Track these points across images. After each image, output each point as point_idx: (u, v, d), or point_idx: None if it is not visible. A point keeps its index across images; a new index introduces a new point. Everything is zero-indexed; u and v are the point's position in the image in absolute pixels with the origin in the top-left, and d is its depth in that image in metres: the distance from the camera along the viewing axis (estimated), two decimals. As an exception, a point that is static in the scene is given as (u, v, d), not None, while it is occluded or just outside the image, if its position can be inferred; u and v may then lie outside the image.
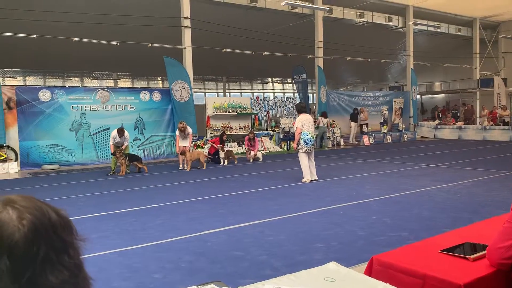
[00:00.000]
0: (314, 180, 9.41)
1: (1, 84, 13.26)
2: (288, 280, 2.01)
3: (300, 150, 9.34)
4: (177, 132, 12.68)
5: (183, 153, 12.22)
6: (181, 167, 12.40)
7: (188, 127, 12.63)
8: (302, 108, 9.65)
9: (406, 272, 2.23)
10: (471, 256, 2.30)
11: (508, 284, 2.20)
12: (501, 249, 2.16)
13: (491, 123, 21.93)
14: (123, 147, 11.69)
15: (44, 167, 13.10)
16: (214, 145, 13.92)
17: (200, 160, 12.49)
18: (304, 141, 9.18)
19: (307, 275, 2.08)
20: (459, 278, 2.06)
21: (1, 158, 12.74)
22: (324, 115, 17.95)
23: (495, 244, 2.20)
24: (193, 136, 15.77)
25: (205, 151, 14.11)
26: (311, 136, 9.29)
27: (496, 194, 7.46)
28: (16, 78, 24.21)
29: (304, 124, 9.21)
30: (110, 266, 4.36)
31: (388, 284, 1.92)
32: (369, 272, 2.39)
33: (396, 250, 2.64)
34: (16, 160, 12.99)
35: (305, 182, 9.28)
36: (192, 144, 15.58)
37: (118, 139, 11.63)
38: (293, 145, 9.57)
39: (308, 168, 9.32)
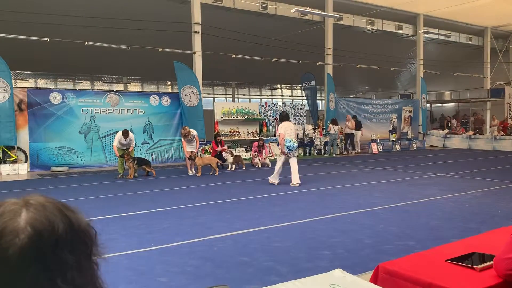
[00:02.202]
0: (296, 184, 9.76)
1: (13, 86, 13.41)
2: (293, 286, 2.02)
3: (280, 155, 10.02)
4: (182, 138, 12.68)
5: (191, 158, 12.16)
6: (190, 173, 12.30)
7: (192, 130, 12.48)
8: (285, 116, 10.22)
9: (412, 280, 2.22)
10: (478, 266, 2.29)
11: (515, 295, 2.18)
12: (508, 259, 2.14)
13: (501, 133, 21.74)
14: (130, 149, 11.74)
15: (53, 169, 13.21)
16: (224, 148, 13.95)
17: (212, 166, 12.38)
18: (287, 147, 9.70)
19: (312, 282, 2.08)
20: (465, 288, 2.05)
21: (11, 159, 12.87)
22: (335, 122, 17.92)
23: (502, 254, 2.19)
24: (200, 141, 15.87)
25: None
26: (294, 142, 9.81)
27: (505, 205, 7.38)
28: (27, 80, 24.50)
29: (286, 131, 9.75)
30: (116, 269, 4.37)
31: (393, 292, 1.92)
32: (374, 280, 2.38)
33: (402, 258, 2.63)
34: (26, 162, 13.12)
35: (273, 183, 9.91)
36: (200, 149, 15.65)
37: (123, 141, 11.68)
38: (279, 150, 10.21)
39: (279, 172, 9.96)
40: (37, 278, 0.57)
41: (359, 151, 18.84)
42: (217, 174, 12.21)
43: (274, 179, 10.05)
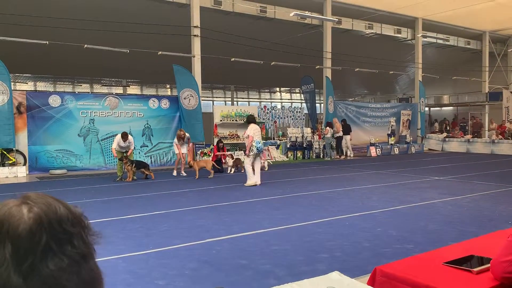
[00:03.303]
0: (257, 183, 10.34)
1: (12, 89, 13.42)
2: (290, 289, 2.02)
3: (250, 156, 10.36)
4: (176, 140, 12.77)
5: (190, 165, 12.49)
6: (174, 173, 12.65)
7: (185, 133, 12.96)
8: (253, 119, 10.79)
9: (409, 283, 2.23)
10: (475, 269, 2.30)
11: (512, 298, 2.19)
12: (505, 263, 2.15)
13: (500, 136, 21.78)
14: (129, 152, 11.75)
15: (52, 172, 13.20)
16: (224, 153, 13.98)
17: (207, 168, 12.51)
18: (257, 148, 10.29)
19: (310, 284, 2.09)
20: (462, 291, 2.06)
21: (10, 162, 12.86)
22: (330, 125, 17.95)
23: (499, 257, 2.20)
24: (200, 144, 15.91)
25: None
26: (261, 144, 10.54)
27: (504, 208, 7.40)
28: (27, 83, 24.52)
29: (255, 133, 10.32)
30: (114, 272, 4.37)
31: (390, 295, 1.93)
32: (372, 282, 2.39)
33: (399, 261, 2.64)
34: (24, 164, 13.11)
35: (254, 184, 10.29)
36: (199, 152, 15.67)
37: (122, 144, 11.69)
38: (246, 152, 10.62)
39: (252, 172, 10.41)
40: (48, 247, 0.64)
41: (351, 156, 18.58)
42: (212, 176, 12.28)
43: (251, 180, 10.40)
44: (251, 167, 10.47)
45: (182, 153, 12.70)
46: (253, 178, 10.42)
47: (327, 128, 17.82)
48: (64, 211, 0.69)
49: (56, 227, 0.66)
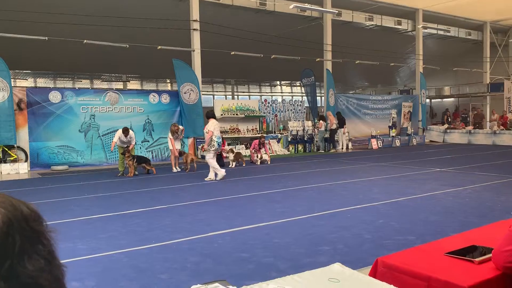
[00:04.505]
0: (211, 179, 10.41)
1: (12, 85, 13.41)
2: (292, 281, 2.02)
3: (211, 151, 10.38)
4: (170, 135, 12.76)
5: (181, 154, 12.49)
6: (174, 170, 12.52)
7: (180, 127, 13.05)
8: (213, 114, 10.78)
9: (411, 274, 2.23)
10: (477, 259, 2.29)
11: (513, 287, 2.19)
12: (507, 252, 2.15)
13: (501, 127, 21.73)
14: (130, 147, 11.75)
15: (54, 168, 13.22)
16: (223, 147, 13.94)
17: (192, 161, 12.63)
18: (218, 143, 10.38)
19: (311, 276, 2.09)
20: (463, 281, 2.06)
21: (12, 158, 12.88)
22: (323, 118, 17.90)
23: (501, 247, 2.20)
24: (200, 139, 15.90)
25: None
26: (221, 139, 10.72)
27: (506, 199, 7.39)
28: (27, 79, 24.50)
29: (216, 128, 10.38)
30: (117, 266, 4.39)
31: (392, 285, 1.92)
32: (373, 274, 2.39)
33: (401, 252, 2.64)
34: (26, 161, 13.12)
35: (221, 178, 10.33)
36: (200, 147, 15.66)
37: (123, 139, 11.69)
38: (204, 146, 10.75)
39: (217, 167, 10.48)
40: (23, 248, 0.65)
41: (344, 149, 18.29)
42: (195, 170, 12.38)
43: (219, 173, 10.42)
44: (215, 161, 10.53)
45: (177, 148, 12.74)
46: (221, 171, 10.47)
47: (320, 121, 17.75)
48: (27, 210, 0.69)
49: (25, 227, 0.66)
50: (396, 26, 22.74)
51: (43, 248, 0.67)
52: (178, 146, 12.85)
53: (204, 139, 15.83)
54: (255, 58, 18.65)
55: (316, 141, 18.08)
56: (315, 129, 18.03)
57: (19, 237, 0.64)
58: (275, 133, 18.50)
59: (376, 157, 15.46)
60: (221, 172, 10.48)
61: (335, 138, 18.36)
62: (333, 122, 17.90)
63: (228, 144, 15.30)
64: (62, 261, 0.73)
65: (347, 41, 19.84)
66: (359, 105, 21.36)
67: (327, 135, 18.08)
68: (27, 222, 0.67)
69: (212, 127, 10.34)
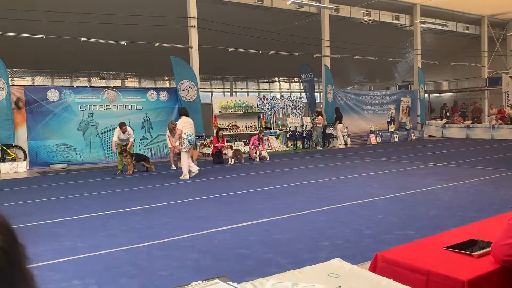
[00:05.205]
0: (185, 178, 10.27)
1: (10, 84, 13.37)
2: (292, 276, 2.03)
3: (184, 150, 10.33)
4: (168, 133, 12.70)
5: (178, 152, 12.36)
6: (173, 167, 12.41)
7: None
8: (185, 112, 10.70)
9: (410, 268, 2.24)
10: (476, 253, 2.30)
11: (512, 281, 2.20)
12: (506, 246, 2.16)
13: (500, 121, 21.75)
14: (129, 144, 11.73)
15: (53, 167, 13.21)
16: (223, 144, 13.95)
17: (193, 159, 12.56)
18: (188, 141, 10.25)
19: (311, 271, 2.09)
20: (463, 275, 2.07)
21: (11, 157, 12.87)
22: (322, 114, 17.89)
23: (500, 241, 2.20)
24: (199, 136, 15.90)
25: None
26: (193, 136, 10.50)
27: (504, 193, 7.41)
28: (24, 78, 24.40)
29: (185, 126, 10.25)
30: (117, 264, 4.40)
31: (391, 280, 1.93)
32: (373, 268, 2.40)
33: (400, 247, 2.65)
34: (25, 160, 13.11)
35: (185, 179, 10.19)
36: (199, 143, 15.64)
37: (122, 136, 11.67)
38: (173, 144, 10.85)
39: (188, 166, 10.37)
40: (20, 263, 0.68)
41: (343, 145, 18.27)
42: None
43: (187, 175, 10.33)
44: (187, 162, 10.43)
45: (176, 145, 12.58)
46: (194, 167, 10.46)
47: (319, 117, 17.64)
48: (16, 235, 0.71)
49: (15, 248, 0.69)
50: (394, 21, 22.72)
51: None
52: (177, 143, 12.66)
53: (202, 136, 15.95)
54: (253, 54, 18.62)
55: (316, 137, 18.03)
56: (314, 125, 17.99)
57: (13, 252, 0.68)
58: (273, 129, 18.50)
59: (375, 152, 15.47)
60: (187, 174, 10.35)
61: (334, 134, 18.39)
62: (324, 119, 17.86)
63: (227, 141, 15.29)
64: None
65: (345, 37, 19.81)
66: (357, 100, 21.36)
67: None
68: (15, 236, 0.71)
69: (181, 125, 10.27)
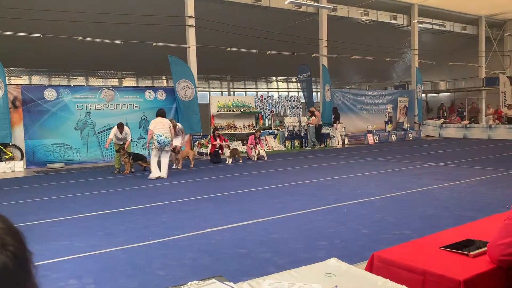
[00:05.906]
0: (161, 177, 10.28)
1: (7, 83, 13.33)
2: (289, 276, 2.03)
3: (153, 149, 10.45)
4: None
5: (174, 151, 12.26)
6: (173, 166, 12.38)
7: (178, 124, 12.60)
8: (161, 113, 10.81)
9: (407, 268, 2.25)
10: (472, 253, 2.31)
11: (508, 280, 2.21)
12: (502, 245, 2.17)
13: (497, 121, 21.81)
14: (126, 144, 11.72)
15: (50, 166, 13.18)
16: (223, 142, 13.96)
17: (189, 158, 12.62)
18: (158, 142, 10.30)
19: (308, 271, 2.10)
20: (459, 274, 2.08)
21: (7, 156, 12.83)
22: (315, 114, 17.85)
23: (496, 240, 2.21)
24: (197, 135, 15.90)
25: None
26: (165, 137, 10.36)
27: (500, 193, 7.44)
28: (21, 77, 24.36)
29: (157, 127, 10.34)
30: (115, 263, 4.40)
31: (387, 279, 1.94)
32: (369, 268, 2.41)
33: (396, 246, 2.66)
34: (22, 159, 13.08)
35: (152, 178, 10.19)
36: (196, 143, 15.63)
37: (119, 135, 11.66)
38: (147, 144, 11.06)
39: (156, 166, 10.39)
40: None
41: (340, 145, 18.20)
42: (192, 166, 12.44)
43: (155, 174, 10.32)
44: (155, 160, 10.40)
45: (175, 146, 12.55)
46: (157, 172, 10.32)
47: (313, 117, 17.56)
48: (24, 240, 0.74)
49: (26, 254, 0.73)
50: (391, 21, 22.76)
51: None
52: (177, 143, 12.49)
53: (200, 135, 15.95)
54: (251, 54, 18.62)
55: (310, 137, 17.81)
56: (308, 125, 17.79)
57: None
58: (271, 129, 18.50)
59: (372, 152, 15.50)
60: (156, 173, 10.32)
61: (331, 134, 18.40)
62: (318, 119, 17.78)
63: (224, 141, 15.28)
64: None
65: (343, 37, 19.84)
66: (355, 100, 21.38)
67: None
68: (23, 241, 0.75)
69: (152, 125, 10.39)
